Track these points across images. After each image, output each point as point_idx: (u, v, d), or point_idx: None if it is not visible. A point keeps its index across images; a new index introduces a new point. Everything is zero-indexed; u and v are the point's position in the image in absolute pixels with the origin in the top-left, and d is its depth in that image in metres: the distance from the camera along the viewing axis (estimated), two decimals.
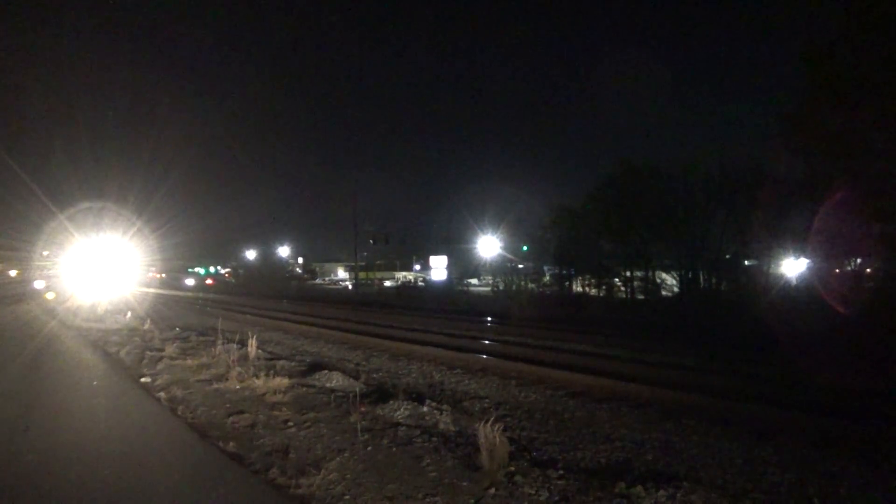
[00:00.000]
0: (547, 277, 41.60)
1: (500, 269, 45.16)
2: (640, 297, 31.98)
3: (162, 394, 7.84)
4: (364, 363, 11.33)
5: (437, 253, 53.23)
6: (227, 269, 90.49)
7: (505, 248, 42.28)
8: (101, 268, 33.04)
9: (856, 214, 18.60)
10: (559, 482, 4.63)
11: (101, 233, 31.69)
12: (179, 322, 18.97)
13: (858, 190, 17.78)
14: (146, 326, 15.68)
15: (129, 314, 18.65)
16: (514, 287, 41.49)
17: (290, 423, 6.23)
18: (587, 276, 36.15)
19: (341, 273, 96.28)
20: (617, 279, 34.09)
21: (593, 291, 35.46)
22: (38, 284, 46.57)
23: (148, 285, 51.05)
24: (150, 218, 34.48)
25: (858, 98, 16.86)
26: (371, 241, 52.02)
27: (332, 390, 8.15)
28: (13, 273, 67.22)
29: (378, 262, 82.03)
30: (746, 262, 29.80)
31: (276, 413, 6.66)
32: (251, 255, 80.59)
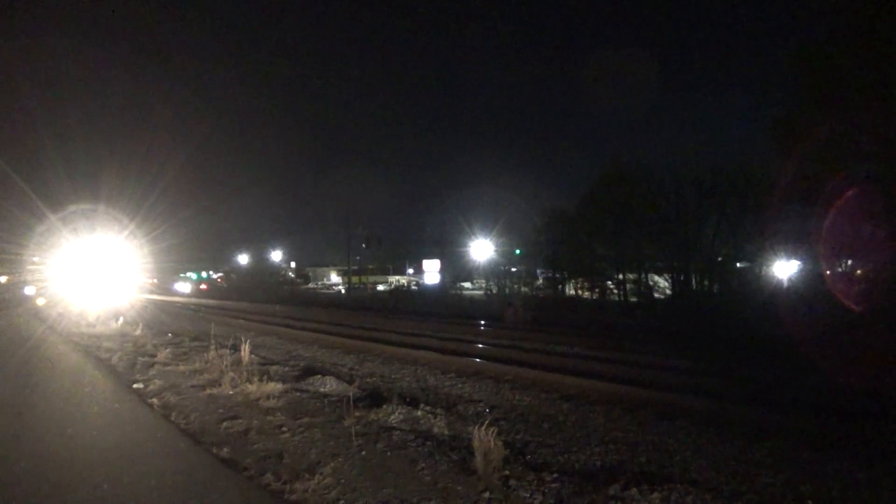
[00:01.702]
0: (540, 280, 41.76)
1: (494, 272, 45.30)
2: (633, 299, 32.11)
3: (155, 399, 7.79)
4: (357, 367, 11.31)
5: (429, 256, 53.31)
6: (220, 274, 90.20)
7: (498, 252, 42.37)
8: (93, 273, 32.87)
9: (847, 216, 18.74)
10: (554, 485, 4.64)
11: (92, 236, 31.54)
12: (172, 327, 18.87)
13: (849, 192, 17.92)
14: (138, 332, 15.60)
15: (120, 319, 18.53)
16: (507, 290, 41.63)
17: (284, 429, 6.20)
18: (580, 279, 36.31)
19: (334, 277, 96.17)
20: (610, 282, 34.25)
21: (586, 294, 35.61)
22: (29, 290, 46.27)
23: (140, 290, 50.80)
24: (142, 221, 34.34)
25: (848, 101, 16.99)
26: (364, 244, 52.09)
27: (326, 395, 8.13)
28: (3, 279, 66.71)
29: (370, 265, 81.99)
30: (738, 265, 29.98)
31: (269, 418, 6.64)
32: (243, 259, 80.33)
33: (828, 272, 26.32)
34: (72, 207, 32.47)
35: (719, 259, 29.43)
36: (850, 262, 25.99)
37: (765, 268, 28.93)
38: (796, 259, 27.31)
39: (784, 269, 28.67)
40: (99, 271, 32.96)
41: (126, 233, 32.80)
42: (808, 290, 24.16)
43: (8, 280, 63.47)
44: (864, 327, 15.61)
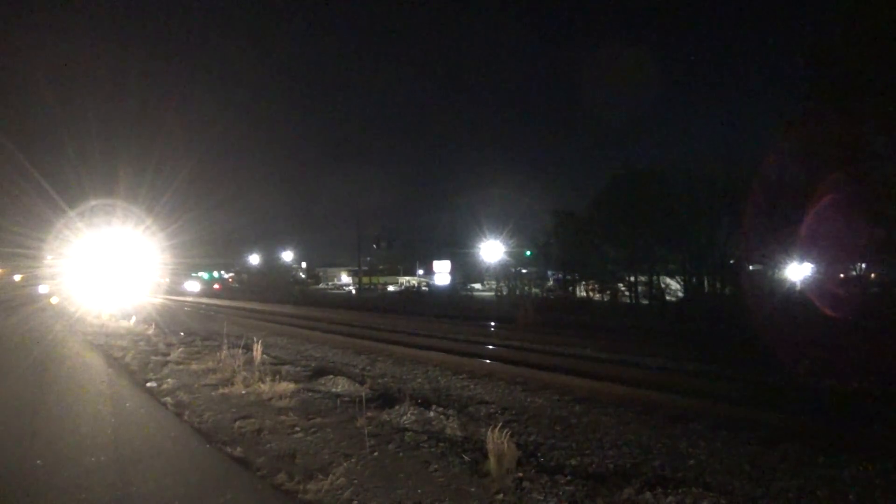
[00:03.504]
0: (550, 282, 41.63)
1: (504, 273, 45.22)
2: (645, 302, 31.92)
3: (168, 398, 7.85)
4: (369, 368, 11.33)
5: (440, 257, 53.42)
6: (231, 274, 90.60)
7: (508, 253, 42.28)
8: (105, 271, 33.17)
9: (860, 219, 18.55)
10: (567, 488, 4.62)
11: (103, 236, 31.80)
12: (184, 326, 18.98)
13: (863, 195, 17.75)
14: (151, 331, 15.70)
15: (133, 319, 18.67)
16: (517, 292, 41.55)
17: (297, 428, 6.23)
18: (591, 281, 36.16)
19: (345, 278, 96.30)
20: (621, 284, 34.07)
21: (597, 296, 35.48)
22: (43, 288, 46.70)
23: (152, 290, 51.13)
24: (153, 221, 34.60)
25: (861, 102, 16.83)
26: (374, 244, 52.24)
27: (338, 395, 8.15)
28: (17, 277, 67.33)
29: (381, 266, 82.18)
30: (751, 267, 29.73)
31: (282, 418, 6.66)
32: (255, 259, 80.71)
33: (841, 275, 26.11)
34: (80, 207, 32.79)
35: (731, 262, 29.21)
36: (863, 265, 25.75)
37: (777, 271, 28.68)
38: (809, 262, 27.04)
39: (797, 271, 28.41)
40: (111, 270, 33.28)
41: (137, 232, 33.09)
42: (818, 294, 23.91)
43: (22, 278, 64.12)
44: (873, 331, 15.43)
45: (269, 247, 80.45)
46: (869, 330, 16.08)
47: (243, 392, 8.02)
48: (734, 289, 28.89)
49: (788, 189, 22.66)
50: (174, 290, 59.90)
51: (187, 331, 17.36)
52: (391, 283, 77.11)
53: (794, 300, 25.27)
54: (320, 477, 4.72)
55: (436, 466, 5.06)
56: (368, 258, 70.18)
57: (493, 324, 20.79)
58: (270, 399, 7.60)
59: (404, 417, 6.73)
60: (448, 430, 6.36)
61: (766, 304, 24.07)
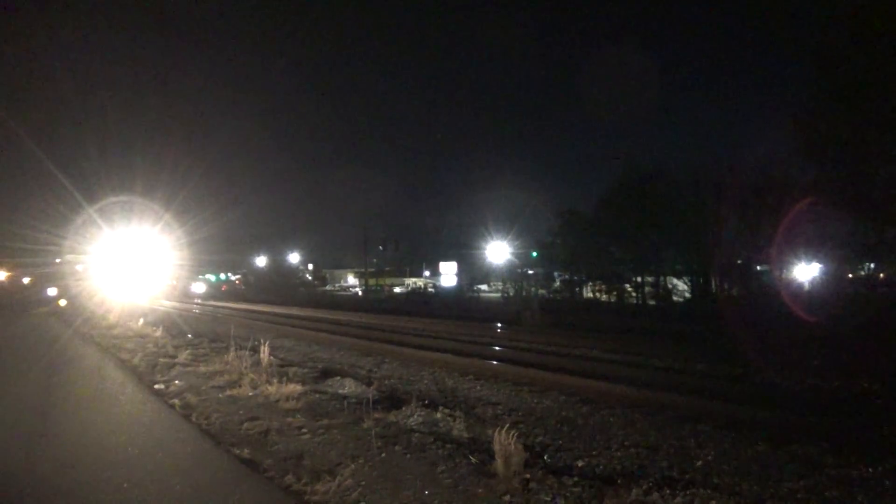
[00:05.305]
0: (557, 283, 41.56)
1: (510, 274, 45.18)
2: (652, 302, 31.81)
3: (175, 400, 7.87)
4: (376, 369, 11.34)
5: (446, 259, 53.50)
6: (238, 276, 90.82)
7: (514, 254, 42.20)
8: (115, 274, 33.34)
9: (868, 219, 18.45)
10: (574, 489, 4.61)
11: (118, 236, 31.94)
12: (191, 329, 19.06)
13: (870, 194, 17.64)
14: (158, 333, 15.77)
15: (141, 321, 18.75)
16: (523, 293, 41.46)
17: (304, 430, 6.24)
18: (597, 282, 36.06)
19: (351, 279, 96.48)
20: (628, 285, 33.97)
21: (604, 297, 35.37)
22: (51, 291, 46.96)
23: (159, 292, 51.30)
24: (168, 219, 34.75)
25: (869, 102, 16.74)
26: (381, 246, 52.30)
27: (345, 397, 8.16)
28: (26, 280, 67.70)
29: (387, 268, 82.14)
30: (758, 268, 29.58)
31: (289, 419, 6.67)
32: (261, 261, 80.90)
33: (850, 275, 25.98)
34: (97, 204, 32.97)
35: (738, 262, 29.06)
36: (872, 265, 25.63)
37: (785, 271, 28.53)
38: (817, 262, 26.91)
39: (805, 272, 28.27)
40: (120, 272, 33.46)
41: (148, 233, 33.26)
42: (828, 294, 23.79)
43: (31, 282, 64.49)
44: (883, 331, 15.32)
45: (276, 248, 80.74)
46: (876, 329, 15.98)
47: (251, 394, 8.04)
48: (741, 289, 28.74)
49: (795, 189, 22.53)
50: (182, 291, 60.09)
51: (195, 333, 17.43)
52: (398, 285, 77.16)
53: (801, 300, 25.12)
54: (328, 478, 4.73)
55: (443, 468, 5.06)
56: (375, 260, 70.28)
57: (499, 325, 20.78)
58: (278, 401, 7.61)
59: (411, 419, 6.74)
60: (455, 432, 6.36)
61: (773, 304, 23.94)
